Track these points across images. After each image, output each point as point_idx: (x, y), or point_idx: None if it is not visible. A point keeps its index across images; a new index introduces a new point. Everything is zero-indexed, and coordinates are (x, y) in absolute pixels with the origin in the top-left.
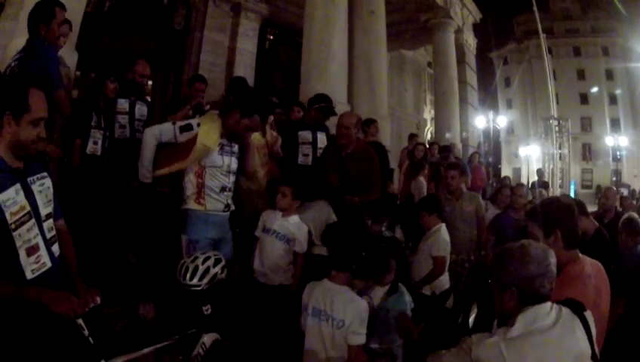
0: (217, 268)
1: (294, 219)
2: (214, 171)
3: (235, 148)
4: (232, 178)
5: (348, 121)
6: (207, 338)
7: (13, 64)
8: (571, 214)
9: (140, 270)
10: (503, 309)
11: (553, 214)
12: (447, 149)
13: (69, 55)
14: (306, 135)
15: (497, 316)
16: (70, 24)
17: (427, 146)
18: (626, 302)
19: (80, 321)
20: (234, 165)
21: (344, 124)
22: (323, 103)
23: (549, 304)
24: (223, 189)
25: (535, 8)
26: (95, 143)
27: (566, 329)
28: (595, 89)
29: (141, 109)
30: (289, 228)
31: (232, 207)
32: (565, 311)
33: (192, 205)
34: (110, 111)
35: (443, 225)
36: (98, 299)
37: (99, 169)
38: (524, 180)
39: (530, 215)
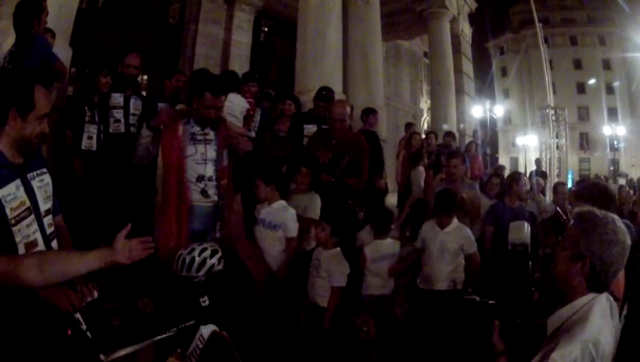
0: (214, 260)
1: (279, 203)
2: (189, 161)
3: (211, 135)
4: (211, 166)
5: (342, 112)
6: (206, 330)
7: (4, 62)
8: (612, 199)
9: (139, 263)
10: (564, 279)
11: (596, 196)
12: (450, 135)
13: (62, 51)
14: (310, 128)
15: (555, 285)
16: (54, 35)
17: (424, 136)
18: None
19: (78, 316)
20: (211, 153)
21: (339, 117)
22: (324, 92)
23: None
24: (200, 179)
25: None
26: (90, 138)
27: (615, 320)
28: (592, 80)
29: (136, 104)
30: (274, 213)
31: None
32: (611, 299)
33: None
34: (104, 105)
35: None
36: (95, 293)
37: (95, 163)
38: (521, 169)
39: (575, 195)
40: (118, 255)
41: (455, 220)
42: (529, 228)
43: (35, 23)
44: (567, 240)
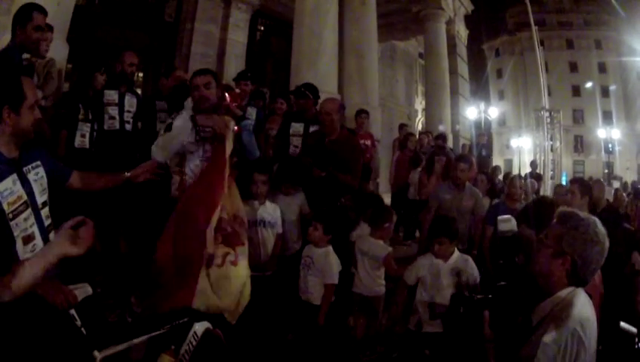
0: None
1: (269, 203)
2: (191, 157)
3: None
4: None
5: (328, 107)
6: (199, 327)
7: None
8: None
9: (132, 260)
10: (545, 275)
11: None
12: (441, 137)
13: (60, 47)
14: (297, 127)
15: (535, 278)
16: (52, 29)
17: (417, 137)
18: None
19: (72, 312)
20: (209, 153)
21: (325, 110)
22: (303, 89)
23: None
24: None
25: (527, 0)
26: (83, 136)
27: (592, 314)
28: (589, 84)
29: (131, 101)
30: (271, 213)
31: None
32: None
33: (175, 193)
34: (98, 103)
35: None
36: (90, 290)
37: (88, 161)
38: (515, 171)
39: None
40: (65, 247)
41: (457, 251)
42: (515, 221)
43: (17, 30)
44: (550, 238)
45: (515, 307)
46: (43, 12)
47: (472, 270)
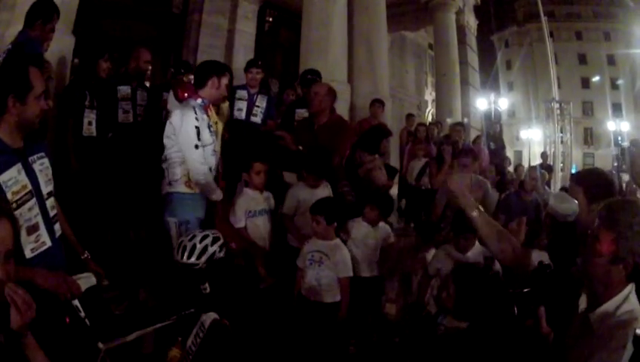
0: (215, 247)
1: (266, 191)
2: (206, 150)
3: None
4: (216, 157)
5: (317, 88)
6: (206, 318)
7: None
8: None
9: (138, 251)
10: (603, 282)
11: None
12: (460, 125)
13: (65, 39)
14: (302, 113)
15: (590, 284)
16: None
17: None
18: None
19: (76, 303)
20: (218, 145)
21: (313, 90)
22: (309, 76)
23: None
24: (212, 170)
25: None
26: (90, 124)
27: None
28: (597, 78)
29: (142, 95)
30: (270, 201)
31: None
32: None
33: (181, 188)
34: (103, 91)
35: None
36: (94, 280)
37: (98, 150)
38: (525, 163)
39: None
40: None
41: (477, 244)
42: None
43: (38, 24)
44: (603, 245)
45: (571, 302)
46: (58, 15)
47: (495, 264)
